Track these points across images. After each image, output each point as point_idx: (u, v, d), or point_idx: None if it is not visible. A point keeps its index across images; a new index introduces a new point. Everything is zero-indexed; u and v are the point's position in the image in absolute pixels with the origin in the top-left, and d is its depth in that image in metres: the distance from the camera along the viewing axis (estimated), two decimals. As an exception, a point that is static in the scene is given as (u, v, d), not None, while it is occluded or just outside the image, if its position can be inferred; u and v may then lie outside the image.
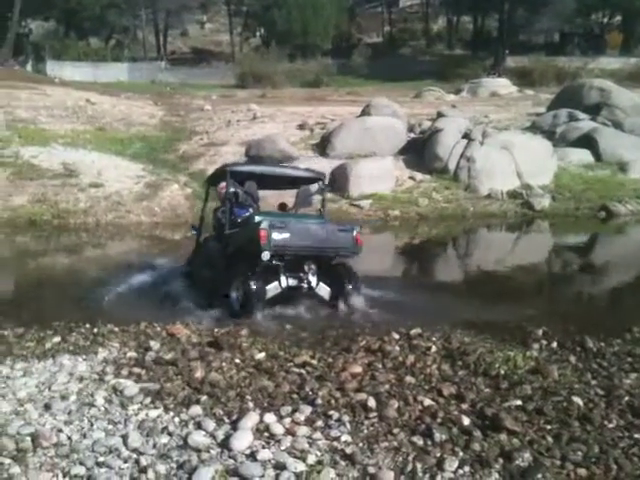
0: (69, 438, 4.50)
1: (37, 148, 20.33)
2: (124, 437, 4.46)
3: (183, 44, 61.18)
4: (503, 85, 36.04)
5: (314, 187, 9.31)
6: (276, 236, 7.42)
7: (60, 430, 4.59)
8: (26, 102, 25.75)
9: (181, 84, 41.25)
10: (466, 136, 19.62)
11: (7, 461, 4.16)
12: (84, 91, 30.30)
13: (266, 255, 7.42)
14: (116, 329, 7.17)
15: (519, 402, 5.04)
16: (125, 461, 4.23)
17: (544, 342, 6.74)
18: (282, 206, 9.52)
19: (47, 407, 4.95)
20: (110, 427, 4.67)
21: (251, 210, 8.71)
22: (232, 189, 8.41)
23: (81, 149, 20.97)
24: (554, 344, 6.67)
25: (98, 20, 47.95)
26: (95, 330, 7.11)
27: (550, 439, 4.47)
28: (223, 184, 8.62)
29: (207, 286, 8.63)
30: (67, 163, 19.39)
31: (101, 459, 4.24)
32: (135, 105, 29.52)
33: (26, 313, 8.27)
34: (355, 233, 7.99)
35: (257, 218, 7.84)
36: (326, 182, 9.48)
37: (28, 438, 4.44)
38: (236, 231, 8.18)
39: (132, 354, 6.28)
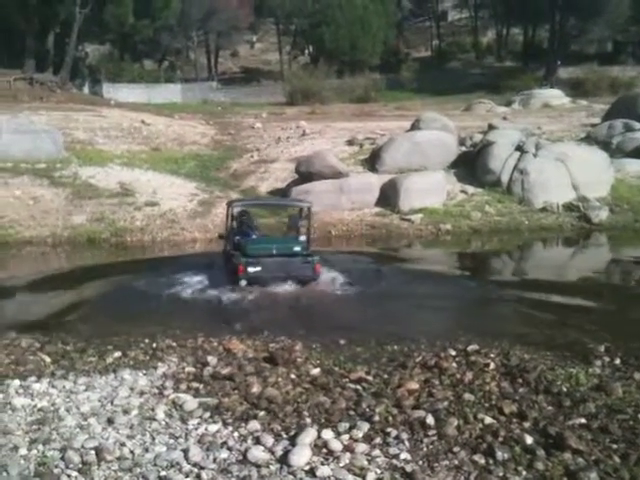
0: (132, 452, 4.59)
1: (94, 168, 20.92)
2: (185, 451, 4.53)
3: (233, 64, 62.27)
4: (555, 96, 35.35)
5: (305, 212, 11.90)
6: (250, 269, 10.24)
7: (123, 444, 4.68)
8: (83, 124, 26.55)
9: (232, 103, 41.91)
10: (519, 148, 19.28)
11: (74, 474, 4.27)
12: (139, 112, 31.10)
13: (243, 282, 10.30)
14: (174, 344, 7.30)
15: (583, 420, 4.92)
16: (187, 475, 4.29)
17: (606, 358, 6.57)
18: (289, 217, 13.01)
19: (110, 421, 5.07)
20: (171, 441, 4.75)
21: (257, 233, 11.85)
22: (235, 222, 11.72)
23: (137, 169, 21.50)
24: (617, 360, 6.49)
25: (151, 43, 49.26)
26: (154, 345, 7.26)
27: (617, 459, 4.34)
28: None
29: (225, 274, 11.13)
30: (124, 182, 19.90)
31: (163, 473, 4.31)
32: (188, 125, 30.14)
33: (87, 328, 8.50)
34: (314, 264, 10.50)
35: (249, 246, 10.79)
36: (311, 209, 11.96)
37: (92, 452, 4.55)
38: (233, 254, 10.92)
39: (190, 369, 6.38)
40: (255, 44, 66.06)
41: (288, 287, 10.42)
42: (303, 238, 11.43)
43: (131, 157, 23.22)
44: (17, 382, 5.87)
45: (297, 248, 10.91)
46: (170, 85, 46.60)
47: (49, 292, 11.65)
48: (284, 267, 10.44)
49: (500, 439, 4.63)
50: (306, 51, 59.19)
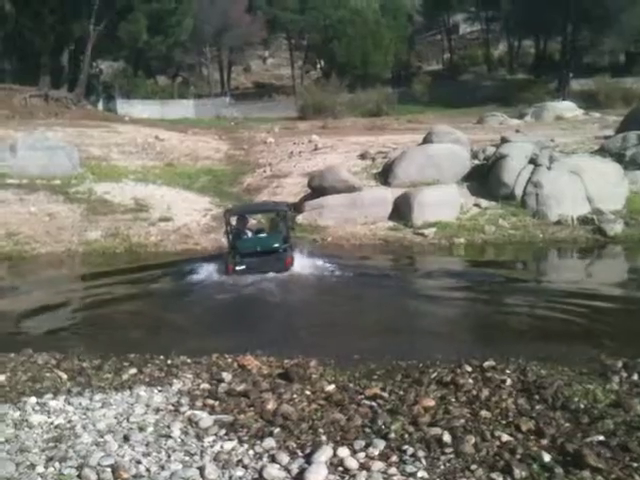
0: (148, 470, 4.59)
1: (109, 184, 21.12)
2: (201, 469, 4.52)
3: (246, 79, 62.79)
4: (568, 108, 35.26)
5: (282, 214, 14.93)
6: (237, 268, 13.22)
7: (139, 462, 4.69)
8: (98, 140, 26.83)
9: (244, 118, 42.22)
10: (532, 161, 19.17)
11: (90, 492, 4.28)
12: (153, 128, 31.38)
13: (233, 276, 13.09)
14: (189, 360, 7.33)
15: (601, 437, 4.86)
16: (202, 494, 4.29)
17: (624, 374, 6.48)
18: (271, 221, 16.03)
19: (126, 438, 5.08)
20: (187, 459, 4.75)
21: (249, 233, 14.33)
22: (230, 227, 14.16)
23: (151, 184, 21.67)
24: (635, 376, 6.41)
25: (165, 59, 49.80)
26: (169, 361, 7.28)
27: (638, 478, 4.28)
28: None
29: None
30: (138, 198, 20.06)
31: (179, 491, 4.31)
32: (201, 140, 30.35)
33: (102, 344, 8.54)
34: (285, 259, 13.38)
35: (240, 245, 13.75)
36: (288, 212, 15.09)
37: (108, 469, 4.56)
38: (229, 252, 13.88)
39: (205, 385, 6.39)
40: (267, 59, 66.59)
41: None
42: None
43: (145, 172, 23.41)
44: (34, 399, 5.91)
45: (276, 245, 13.78)
46: (183, 101, 47.02)
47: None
48: (262, 264, 13.28)
49: (518, 457, 4.59)
50: (318, 66, 59.59)
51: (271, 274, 13.08)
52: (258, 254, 13.49)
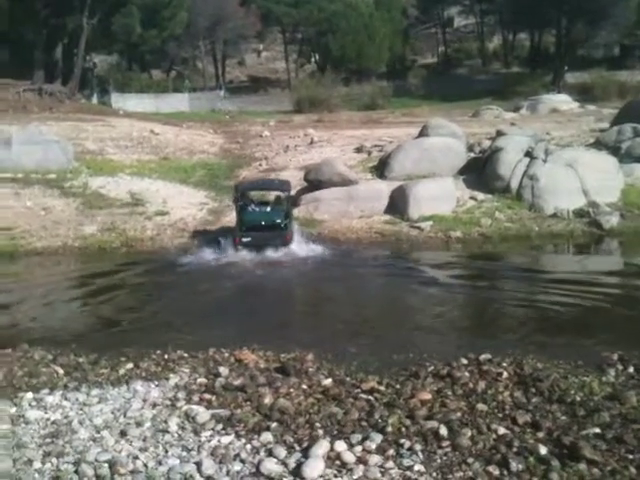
0: (145, 465, 4.60)
1: (105, 178, 21.00)
2: (198, 464, 4.53)
3: (241, 73, 62.47)
4: (563, 101, 35.24)
5: (282, 193, 16.60)
6: (244, 239, 14.85)
7: (136, 457, 4.70)
8: (93, 134, 26.66)
9: (239, 112, 42.03)
10: (528, 154, 19.16)
11: (88, 487, 4.28)
12: (148, 122, 31.21)
13: (239, 247, 14.81)
14: (186, 355, 7.32)
15: (597, 430, 4.90)
16: (200, 488, 4.29)
17: (620, 367, 6.53)
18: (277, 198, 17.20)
19: (123, 434, 5.08)
20: (184, 454, 4.75)
21: (254, 207, 15.92)
22: (238, 200, 15.85)
23: (147, 178, 21.57)
24: (631, 369, 6.45)
25: (159, 53, 49.52)
26: (166, 356, 7.27)
27: (633, 469, 4.31)
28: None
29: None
30: (134, 192, 19.97)
31: (177, 486, 4.32)
32: (196, 134, 30.22)
33: (98, 339, 8.53)
34: (285, 236, 15.00)
35: (245, 218, 15.35)
36: (289, 189, 16.60)
37: (106, 465, 4.57)
38: (236, 225, 15.57)
39: (202, 380, 6.39)
40: (262, 53, 66.25)
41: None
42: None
43: (141, 167, 23.30)
44: (30, 395, 5.90)
45: (278, 220, 15.30)
46: (178, 94, 46.78)
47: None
48: (265, 238, 14.88)
49: (514, 450, 4.62)
50: (313, 59, 59.36)
51: (271, 253, 14.64)
52: (261, 229, 15.06)
